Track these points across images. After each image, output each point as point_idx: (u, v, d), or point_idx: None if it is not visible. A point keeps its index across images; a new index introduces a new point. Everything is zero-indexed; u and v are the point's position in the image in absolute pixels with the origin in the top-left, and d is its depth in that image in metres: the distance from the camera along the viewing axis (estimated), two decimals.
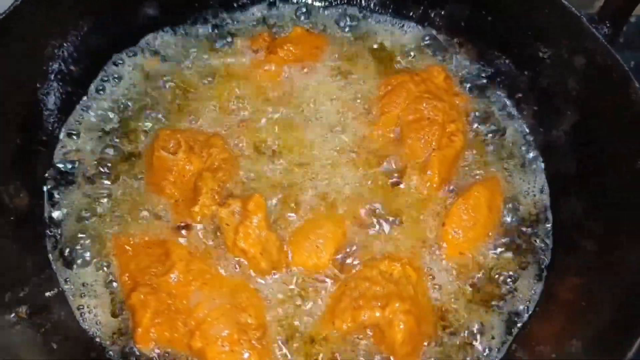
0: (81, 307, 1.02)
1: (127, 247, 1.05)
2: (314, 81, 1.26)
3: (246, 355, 0.96)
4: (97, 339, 0.99)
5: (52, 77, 1.13)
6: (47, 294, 1.00)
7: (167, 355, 0.98)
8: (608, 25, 1.13)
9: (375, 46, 1.33)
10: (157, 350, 0.98)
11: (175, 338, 0.97)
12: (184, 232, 1.06)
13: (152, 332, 0.97)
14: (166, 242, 1.04)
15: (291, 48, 1.27)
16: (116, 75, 1.24)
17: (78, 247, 1.06)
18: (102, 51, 1.23)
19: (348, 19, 1.37)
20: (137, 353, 0.98)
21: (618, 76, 1.05)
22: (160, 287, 0.99)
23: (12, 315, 0.89)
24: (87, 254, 1.06)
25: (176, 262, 1.00)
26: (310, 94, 1.24)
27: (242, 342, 0.96)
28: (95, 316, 1.01)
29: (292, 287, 1.04)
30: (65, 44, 1.14)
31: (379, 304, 0.96)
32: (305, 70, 1.27)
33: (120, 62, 1.25)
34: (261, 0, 1.36)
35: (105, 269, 1.05)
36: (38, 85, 1.11)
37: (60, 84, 1.15)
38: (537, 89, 1.23)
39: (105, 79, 1.23)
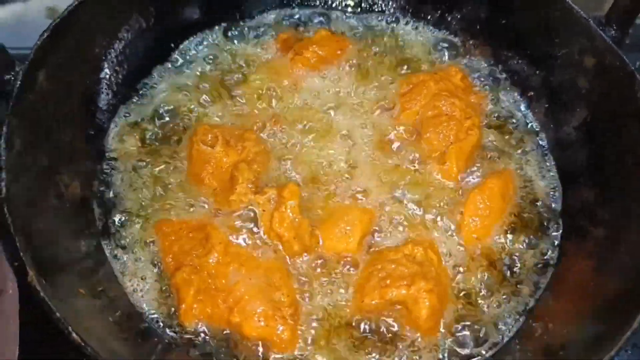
0: (131, 285, 1.10)
1: (170, 232, 1.13)
2: (338, 80, 1.34)
3: (280, 329, 1.03)
4: (146, 314, 1.07)
5: (102, 76, 1.22)
6: (100, 273, 1.08)
7: (208, 329, 1.06)
8: (615, 27, 1.21)
9: (395, 48, 1.41)
10: (199, 325, 1.06)
11: (216, 314, 1.05)
12: (222, 218, 1.14)
13: (194, 309, 1.05)
14: (206, 227, 1.11)
15: (316, 49, 1.35)
16: (159, 77, 1.33)
17: (126, 231, 1.15)
18: (149, 53, 1.31)
19: (369, 22, 1.45)
20: (182, 327, 1.06)
21: (624, 75, 1.13)
22: (201, 267, 1.06)
23: (74, 292, 0.97)
24: (134, 238, 1.14)
25: (215, 245, 1.08)
26: (335, 92, 1.32)
27: (276, 317, 1.03)
28: (143, 293, 1.09)
29: (322, 269, 1.11)
30: (114, 46, 1.23)
31: (405, 282, 1.03)
32: (329, 70, 1.35)
33: (162, 64, 1.35)
34: (286, 4, 1.45)
35: (150, 251, 1.13)
36: (88, 82, 1.19)
37: (109, 83, 1.23)
38: (549, 88, 1.30)
39: (149, 79, 1.32)
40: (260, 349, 1.05)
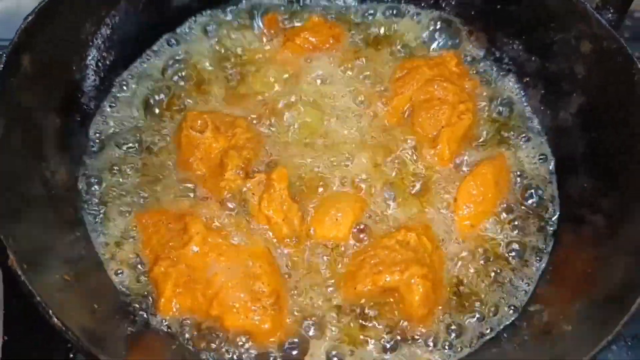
0: (116, 273, 1.07)
1: (150, 224, 1.10)
2: (331, 66, 1.32)
3: (259, 320, 1.01)
4: (131, 302, 1.05)
5: (88, 61, 1.19)
6: (86, 260, 1.06)
7: (189, 321, 1.04)
8: (612, 11, 1.19)
9: (389, 34, 1.38)
10: (180, 318, 1.03)
11: (196, 307, 1.03)
12: (209, 204, 1.12)
13: (174, 302, 1.02)
14: (184, 217, 1.08)
15: (308, 36, 1.33)
16: (148, 63, 1.30)
17: (111, 220, 1.12)
18: (137, 39, 1.29)
19: (362, 8, 1.43)
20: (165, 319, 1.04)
21: (622, 59, 1.10)
22: (179, 259, 1.04)
23: (58, 278, 0.94)
24: (120, 227, 1.11)
25: (193, 235, 1.05)
26: (328, 78, 1.30)
27: (255, 309, 1.01)
28: (128, 282, 1.07)
29: (312, 256, 1.09)
30: (101, 31, 1.20)
31: (398, 268, 1.01)
32: (322, 56, 1.33)
33: (152, 50, 1.32)
34: None
35: (134, 241, 1.10)
36: (74, 67, 1.17)
37: (96, 68, 1.21)
38: (545, 74, 1.28)
39: (137, 65, 1.29)
40: (244, 339, 1.02)
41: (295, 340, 1.03)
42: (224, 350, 1.02)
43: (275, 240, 1.09)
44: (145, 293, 1.06)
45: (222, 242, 1.07)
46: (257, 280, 1.03)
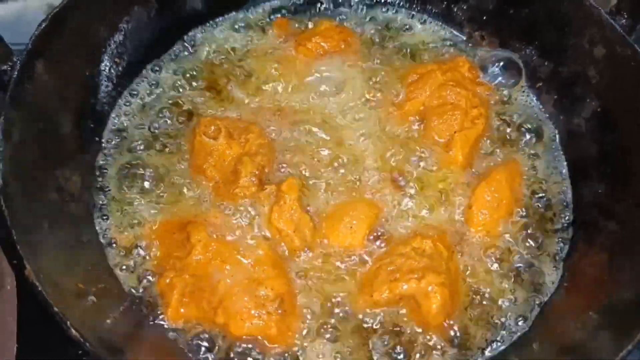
0: (130, 283, 1.07)
1: (156, 236, 1.10)
2: (343, 72, 1.31)
3: (265, 325, 1.01)
4: (143, 313, 1.04)
5: (102, 67, 1.19)
6: (100, 269, 1.06)
7: (198, 331, 1.03)
8: (626, 16, 1.18)
9: (401, 39, 1.38)
10: (189, 328, 1.03)
11: (202, 315, 1.02)
12: (222, 213, 1.11)
13: (180, 312, 1.02)
14: (187, 226, 1.08)
15: (319, 41, 1.33)
16: (161, 69, 1.30)
17: (122, 227, 1.12)
18: (150, 45, 1.29)
19: (374, 13, 1.42)
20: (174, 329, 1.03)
21: (636, 64, 1.10)
22: (183, 269, 1.04)
23: (73, 287, 0.94)
24: (133, 236, 1.11)
25: (195, 244, 1.04)
26: (340, 83, 1.30)
27: (261, 315, 1.01)
28: (139, 292, 1.06)
29: (327, 265, 1.09)
30: (114, 37, 1.20)
31: (416, 276, 1.01)
32: (333, 61, 1.32)
33: (164, 56, 1.32)
34: None
35: (142, 250, 1.10)
36: (88, 73, 1.17)
37: (109, 74, 1.21)
38: (558, 79, 1.28)
39: (150, 71, 1.29)
40: (252, 346, 1.02)
41: (306, 347, 1.02)
42: (232, 357, 1.01)
43: (287, 250, 1.09)
44: (157, 303, 1.05)
45: (226, 249, 1.06)
46: (260, 285, 1.02)
